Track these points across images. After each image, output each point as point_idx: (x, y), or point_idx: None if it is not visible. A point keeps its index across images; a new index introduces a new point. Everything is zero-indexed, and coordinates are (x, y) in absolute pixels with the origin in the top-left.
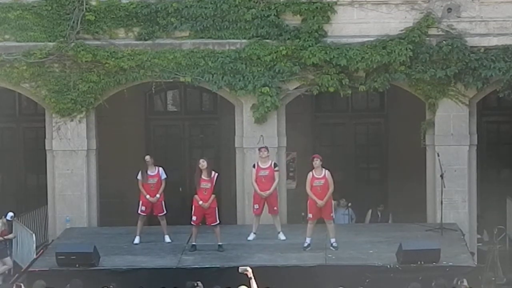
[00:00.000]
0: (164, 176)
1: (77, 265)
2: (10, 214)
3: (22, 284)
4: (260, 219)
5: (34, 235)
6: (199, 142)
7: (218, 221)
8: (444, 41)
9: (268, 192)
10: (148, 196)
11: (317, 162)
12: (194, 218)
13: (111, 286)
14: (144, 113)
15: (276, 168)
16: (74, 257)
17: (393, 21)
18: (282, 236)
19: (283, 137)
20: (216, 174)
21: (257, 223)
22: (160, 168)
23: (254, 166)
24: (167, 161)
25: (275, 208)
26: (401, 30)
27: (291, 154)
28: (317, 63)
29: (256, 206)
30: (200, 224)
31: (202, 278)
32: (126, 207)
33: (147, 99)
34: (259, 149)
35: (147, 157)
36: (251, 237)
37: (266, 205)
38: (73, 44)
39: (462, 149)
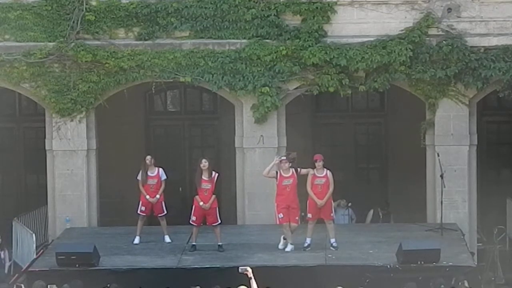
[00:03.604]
0: (164, 177)
1: (77, 265)
2: None
3: (22, 285)
4: (261, 219)
5: (34, 235)
6: (199, 142)
7: (219, 221)
8: (444, 41)
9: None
10: (148, 197)
11: (320, 164)
12: (194, 218)
13: (109, 285)
14: (144, 113)
15: (299, 171)
16: (74, 257)
17: (393, 21)
18: (288, 248)
19: (283, 137)
20: (217, 174)
21: (289, 232)
22: (160, 169)
23: (276, 177)
24: (167, 161)
25: (297, 218)
26: (401, 30)
27: (291, 154)
28: (317, 63)
29: (281, 215)
30: (201, 224)
31: (202, 278)
32: (126, 207)
33: (147, 99)
34: (281, 160)
35: (148, 157)
36: (289, 248)
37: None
38: (73, 44)
39: (462, 149)
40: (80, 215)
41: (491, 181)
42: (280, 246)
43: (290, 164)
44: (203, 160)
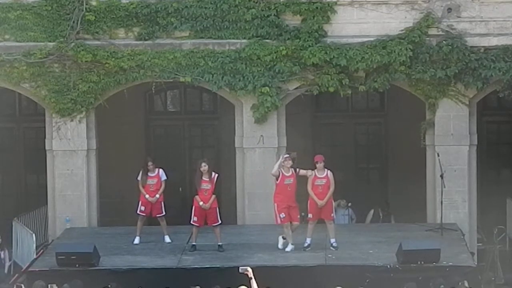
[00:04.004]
0: (164, 177)
1: (77, 265)
2: None
3: (22, 285)
4: (261, 219)
5: (34, 235)
6: (199, 142)
7: (219, 221)
8: (444, 41)
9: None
10: (147, 196)
11: (321, 165)
12: (195, 218)
13: (110, 286)
14: (144, 113)
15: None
16: (74, 257)
17: (393, 21)
18: (289, 247)
19: (283, 137)
20: (217, 174)
21: (289, 231)
22: (161, 170)
23: (277, 177)
24: (167, 161)
25: (299, 216)
26: (401, 30)
27: (291, 154)
28: (317, 63)
29: (283, 215)
30: (202, 225)
31: (202, 278)
32: (126, 207)
33: (147, 99)
34: (285, 158)
35: (149, 163)
36: (289, 248)
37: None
38: (73, 44)
39: (462, 149)
40: (80, 215)
41: (491, 181)
42: (280, 246)
43: (292, 163)
44: (203, 164)
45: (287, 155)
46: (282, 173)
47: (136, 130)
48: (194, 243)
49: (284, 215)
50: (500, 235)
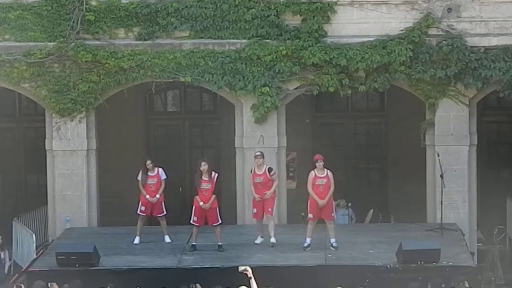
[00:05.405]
0: (164, 177)
1: (77, 265)
2: None
3: (22, 285)
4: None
5: (34, 235)
6: (199, 142)
7: (219, 221)
8: (444, 41)
9: (265, 196)
10: (147, 196)
11: (320, 164)
12: (195, 218)
13: (109, 286)
14: (144, 113)
15: (272, 173)
16: (74, 257)
17: (393, 21)
18: (273, 240)
19: (283, 137)
20: (216, 174)
21: (261, 226)
22: (160, 169)
23: (251, 171)
24: (167, 161)
25: (270, 209)
26: (401, 30)
27: (291, 154)
28: (317, 63)
29: (254, 211)
30: (202, 224)
31: (202, 278)
32: (126, 207)
33: (147, 99)
34: (255, 156)
35: (148, 162)
36: (258, 240)
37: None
38: (73, 44)
39: (462, 149)
40: (80, 215)
41: (491, 181)
42: (257, 241)
43: (263, 160)
44: (203, 163)
45: (258, 153)
46: (254, 171)
47: (136, 130)
48: (194, 243)
49: (255, 211)
50: (500, 235)
